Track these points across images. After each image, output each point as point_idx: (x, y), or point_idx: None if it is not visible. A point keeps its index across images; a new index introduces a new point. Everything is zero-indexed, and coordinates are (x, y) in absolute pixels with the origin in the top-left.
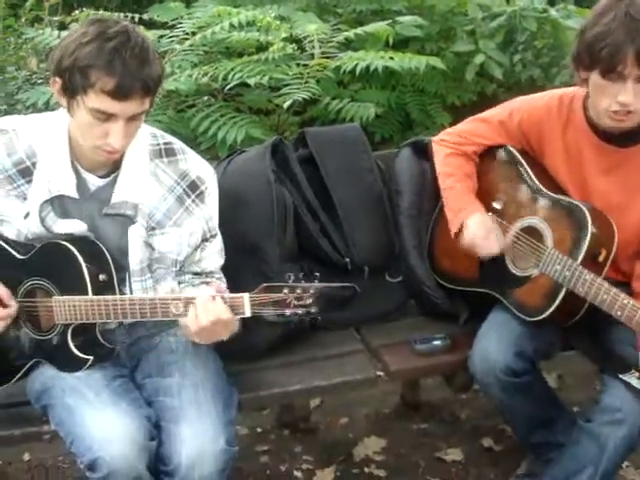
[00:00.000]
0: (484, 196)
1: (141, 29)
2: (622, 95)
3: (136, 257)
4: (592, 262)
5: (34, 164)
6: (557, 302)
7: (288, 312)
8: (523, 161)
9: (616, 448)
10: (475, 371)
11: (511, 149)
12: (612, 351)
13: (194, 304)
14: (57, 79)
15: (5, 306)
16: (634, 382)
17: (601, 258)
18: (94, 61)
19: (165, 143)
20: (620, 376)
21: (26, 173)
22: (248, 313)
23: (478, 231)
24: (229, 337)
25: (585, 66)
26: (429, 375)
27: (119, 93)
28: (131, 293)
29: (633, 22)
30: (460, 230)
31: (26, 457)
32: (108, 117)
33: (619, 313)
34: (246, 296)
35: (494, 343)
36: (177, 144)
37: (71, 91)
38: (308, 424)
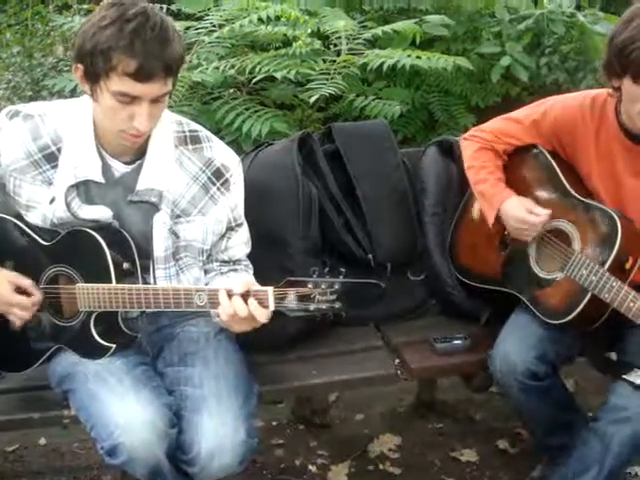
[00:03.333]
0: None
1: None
2: None
3: (160, 245)
4: (619, 269)
5: (59, 149)
6: (581, 306)
7: (312, 307)
8: (553, 163)
9: (620, 447)
10: (495, 372)
11: (542, 150)
12: (629, 356)
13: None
14: (79, 65)
15: (30, 295)
16: (638, 381)
17: (628, 265)
18: (115, 43)
19: (190, 130)
20: (624, 377)
21: (51, 158)
22: (272, 307)
23: (520, 209)
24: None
25: (617, 73)
26: (449, 374)
27: (141, 75)
28: (154, 281)
29: None
30: (497, 219)
31: (42, 442)
32: (132, 100)
33: None
34: (270, 290)
35: (515, 345)
36: (202, 132)
37: (94, 76)
38: (324, 419)
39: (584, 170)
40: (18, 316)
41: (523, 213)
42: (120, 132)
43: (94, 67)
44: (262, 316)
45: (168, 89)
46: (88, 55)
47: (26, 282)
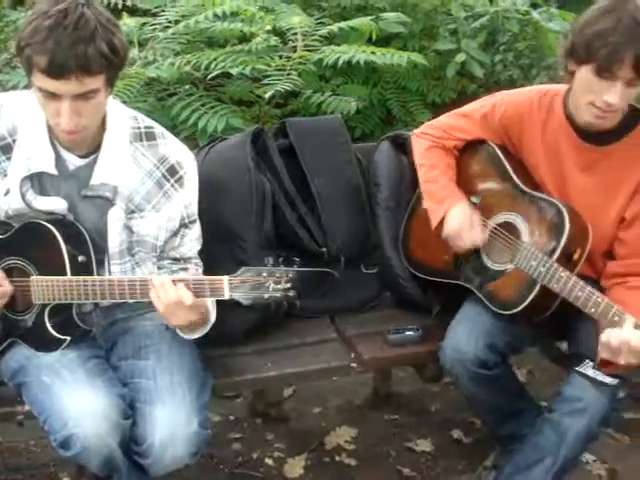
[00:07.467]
0: (462, 191)
1: (98, 8)
2: (609, 95)
3: (115, 240)
4: (567, 260)
5: (15, 141)
6: (531, 297)
7: (266, 296)
8: (502, 157)
9: (575, 438)
10: (445, 362)
11: (491, 144)
12: (578, 346)
13: (153, 286)
14: (18, 57)
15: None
16: (589, 372)
17: (575, 257)
18: (31, 40)
19: (146, 127)
20: (576, 368)
21: (7, 150)
22: (227, 296)
23: (462, 222)
24: (200, 319)
25: (578, 60)
26: (401, 365)
27: (53, 71)
28: (109, 276)
29: (637, 27)
30: (441, 222)
31: None
32: (53, 96)
33: (593, 310)
34: (225, 279)
35: (465, 335)
36: (158, 128)
37: (25, 70)
38: (280, 413)
39: (531, 163)
40: None
41: (466, 224)
42: (54, 127)
43: (21, 61)
44: (188, 298)
45: (90, 87)
46: (17, 49)
47: None
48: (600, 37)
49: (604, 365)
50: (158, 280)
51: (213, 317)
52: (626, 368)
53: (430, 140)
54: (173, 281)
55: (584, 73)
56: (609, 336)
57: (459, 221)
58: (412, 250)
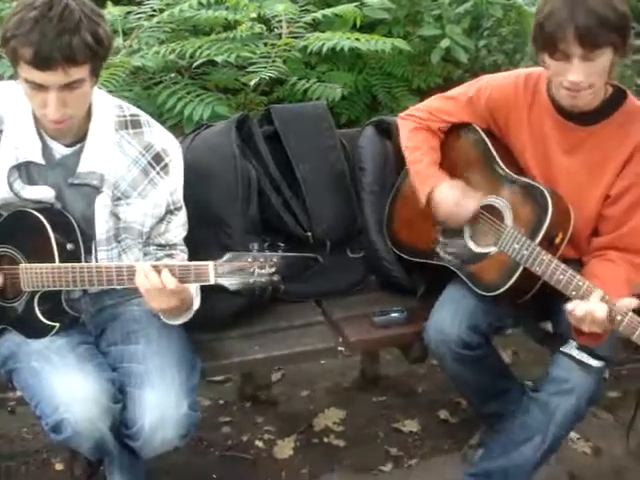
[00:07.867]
0: (447, 173)
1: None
2: (570, 74)
3: (102, 227)
4: (549, 244)
5: (1, 131)
6: (513, 279)
7: (251, 280)
8: (487, 140)
9: (564, 417)
10: (429, 342)
11: (476, 128)
12: (561, 326)
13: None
14: (4, 49)
15: None
16: (575, 353)
17: (557, 240)
18: (16, 32)
19: (131, 115)
20: (561, 349)
21: None
22: (212, 281)
23: (453, 196)
24: (182, 304)
25: (539, 49)
26: (386, 346)
27: (38, 63)
28: (97, 262)
29: (575, 3)
30: (429, 200)
31: None
32: (39, 87)
33: (574, 293)
34: (211, 264)
35: (449, 316)
36: (143, 116)
37: (10, 61)
38: (269, 396)
39: (517, 147)
40: None
41: (458, 196)
42: (42, 117)
43: (7, 54)
44: (170, 283)
45: (76, 78)
46: (2, 40)
47: None
48: (545, 20)
49: (580, 336)
50: (140, 268)
51: (197, 303)
52: (601, 339)
53: (415, 122)
54: (156, 267)
55: (547, 59)
56: (575, 305)
57: (451, 197)
58: (396, 231)
